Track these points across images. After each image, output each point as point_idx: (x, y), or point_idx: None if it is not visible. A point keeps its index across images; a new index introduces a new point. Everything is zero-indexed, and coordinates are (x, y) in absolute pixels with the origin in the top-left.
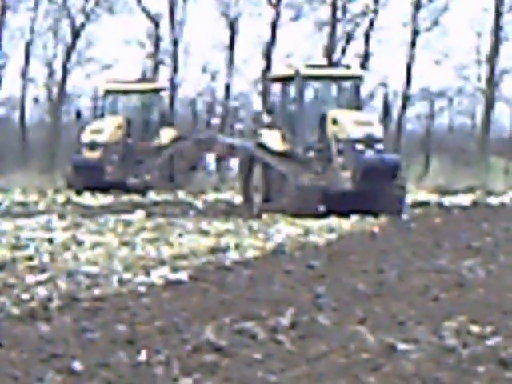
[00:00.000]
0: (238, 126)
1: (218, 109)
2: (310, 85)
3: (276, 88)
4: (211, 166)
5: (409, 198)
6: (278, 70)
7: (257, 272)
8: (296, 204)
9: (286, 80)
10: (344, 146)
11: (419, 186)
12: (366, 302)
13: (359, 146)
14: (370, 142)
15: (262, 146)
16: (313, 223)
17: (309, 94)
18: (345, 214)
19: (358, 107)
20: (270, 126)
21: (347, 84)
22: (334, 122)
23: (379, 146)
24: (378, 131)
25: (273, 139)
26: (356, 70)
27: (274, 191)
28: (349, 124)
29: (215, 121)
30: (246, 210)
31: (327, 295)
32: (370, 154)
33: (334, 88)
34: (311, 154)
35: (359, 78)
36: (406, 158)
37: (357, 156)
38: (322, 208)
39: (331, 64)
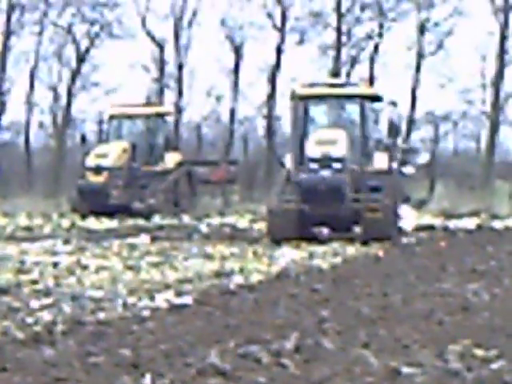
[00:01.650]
0: None
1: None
2: (314, 104)
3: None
4: None
5: (411, 223)
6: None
7: (261, 296)
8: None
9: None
10: (304, 165)
11: (424, 210)
12: (370, 325)
13: (314, 166)
14: (326, 161)
15: None
16: (317, 247)
17: (316, 114)
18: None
19: (363, 127)
20: None
21: (352, 103)
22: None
23: (337, 166)
24: (338, 150)
25: None
26: (362, 88)
27: None
28: (311, 143)
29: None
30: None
31: (331, 319)
32: (323, 174)
33: (337, 107)
34: None
35: (366, 97)
36: (411, 181)
37: (300, 176)
38: (325, 232)
39: (337, 84)
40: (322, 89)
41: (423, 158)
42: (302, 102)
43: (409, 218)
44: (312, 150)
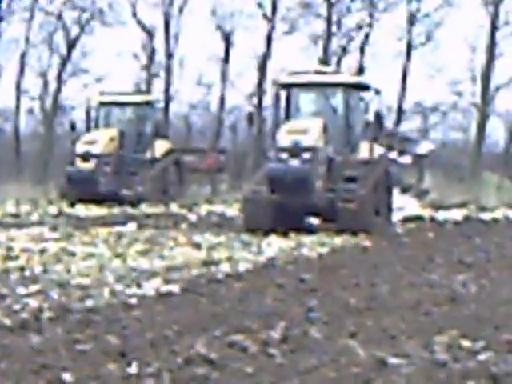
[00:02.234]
0: None
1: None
2: (296, 92)
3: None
4: None
5: (399, 214)
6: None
7: (248, 285)
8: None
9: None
10: (272, 155)
11: (425, 200)
12: (357, 315)
13: (283, 155)
14: (296, 150)
15: None
16: (305, 237)
17: (299, 103)
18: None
19: (347, 116)
20: None
21: (336, 91)
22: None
23: (306, 155)
24: (308, 139)
25: None
26: (346, 76)
27: None
28: (282, 132)
29: None
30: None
31: (319, 309)
32: (291, 163)
33: (320, 95)
34: None
35: (349, 85)
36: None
37: (268, 165)
38: (312, 222)
39: (320, 71)
40: (305, 77)
41: (424, 147)
42: (284, 90)
43: (409, 207)
44: (282, 139)
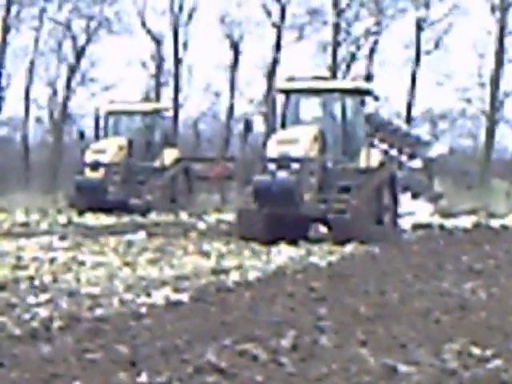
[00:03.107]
0: None
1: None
2: (294, 99)
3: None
4: None
5: (408, 222)
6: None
7: (258, 293)
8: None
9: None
10: (262, 166)
11: (439, 204)
12: (367, 324)
13: (272, 166)
14: (285, 162)
15: None
16: (314, 245)
17: (298, 110)
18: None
19: (346, 123)
20: None
21: (335, 98)
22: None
23: (295, 166)
24: (298, 150)
25: None
26: (345, 82)
27: None
28: (271, 143)
29: None
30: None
31: (328, 317)
32: (279, 175)
33: (320, 102)
34: None
35: (348, 91)
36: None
37: (254, 177)
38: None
39: (318, 77)
40: (303, 83)
41: (438, 149)
42: (282, 96)
43: (421, 212)
44: (271, 149)
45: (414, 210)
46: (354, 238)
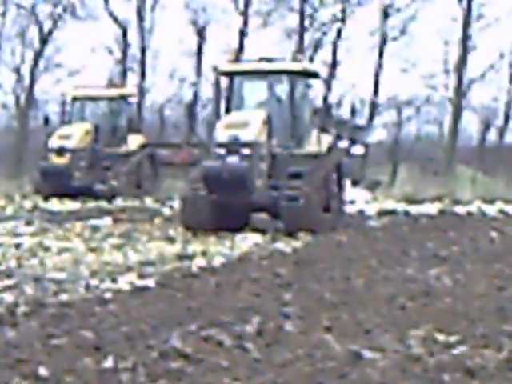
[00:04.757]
0: None
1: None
2: (238, 82)
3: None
4: None
5: (374, 207)
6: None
7: (223, 279)
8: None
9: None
10: (212, 150)
11: (387, 195)
12: (332, 309)
13: (221, 151)
14: (234, 146)
15: None
16: (279, 231)
17: (242, 93)
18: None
19: (293, 106)
20: None
21: (281, 80)
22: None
23: (245, 151)
24: (248, 134)
25: None
26: (291, 63)
27: None
28: (220, 126)
29: None
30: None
31: (293, 303)
32: (229, 160)
33: (265, 85)
34: None
35: (295, 73)
36: (375, 167)
37: (203, 163)
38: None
39: (263, 59)
40: (247, 64)
41: (378, 134)
42: (225, 78)
43: (361, 199)
44: (220, 134)
45: (354, 198)
46: (305, 227)
